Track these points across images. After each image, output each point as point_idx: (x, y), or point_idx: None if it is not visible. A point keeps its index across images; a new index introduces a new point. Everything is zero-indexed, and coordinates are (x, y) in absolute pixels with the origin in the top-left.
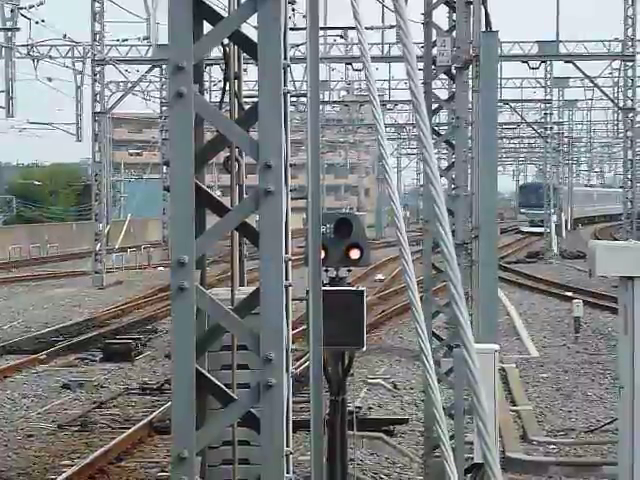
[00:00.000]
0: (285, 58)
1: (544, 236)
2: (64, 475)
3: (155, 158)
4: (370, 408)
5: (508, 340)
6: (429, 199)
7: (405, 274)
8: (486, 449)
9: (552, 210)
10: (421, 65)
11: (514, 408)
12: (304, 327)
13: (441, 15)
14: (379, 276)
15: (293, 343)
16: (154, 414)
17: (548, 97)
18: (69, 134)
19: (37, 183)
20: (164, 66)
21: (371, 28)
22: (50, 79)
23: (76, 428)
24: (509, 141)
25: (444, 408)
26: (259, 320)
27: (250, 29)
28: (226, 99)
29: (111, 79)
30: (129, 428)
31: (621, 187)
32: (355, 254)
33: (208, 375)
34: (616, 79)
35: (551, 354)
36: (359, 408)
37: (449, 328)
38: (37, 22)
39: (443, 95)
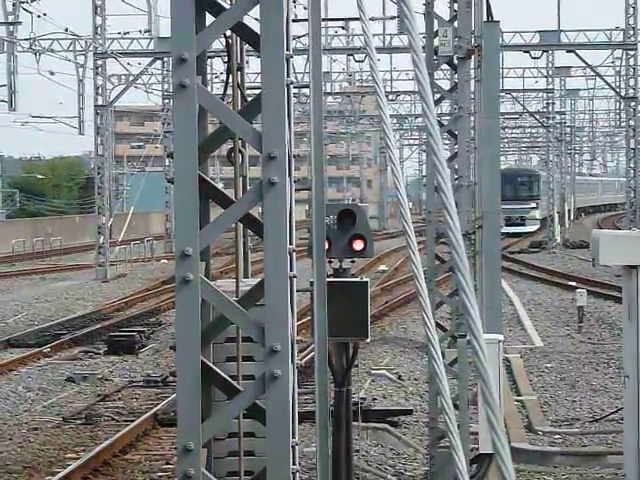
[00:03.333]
0: (287, 49)
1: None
2: (69, 468)
3: (157, 151)
4: (374, 399)
5: (512, 330)
6: (433, 189)
7: (412, 263)
8: (496, 439)
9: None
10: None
11: (518, 398)
12: (309, 318)
13: (442, 5)
14: (382, 267)
15: (298, 334)
16: (158, 407)
17: (550, 87)
18: (71, 127)
19: (40, 177)
20: (165, 59)
21: (373, 19)
22: (52, 73)
23: (81, 421)
24: (511, 131)
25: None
26: (264, 311)
27: (252, 21)
28: (229, 91)
29: (113, 72)
30: (133, 421)
31: (591, 175)
32: (359, 245)
33: (213, 367)
34: (618, 68)
35: (555, 344)
36: (363, 399)
37: (453, 319)
38: (39, 16)
39: (445, 85)
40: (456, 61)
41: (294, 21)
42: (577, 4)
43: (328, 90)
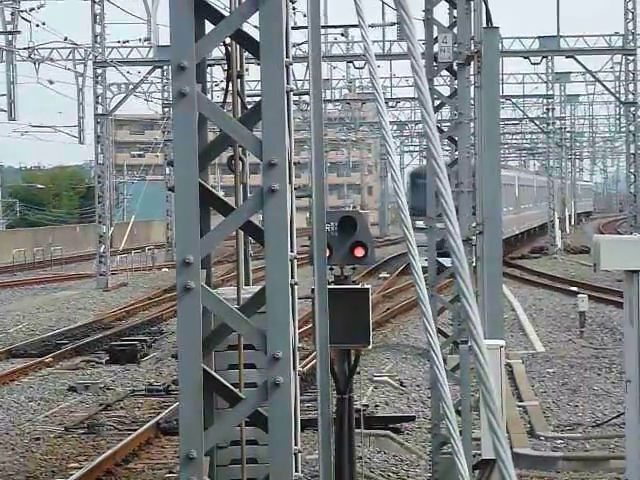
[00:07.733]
0: (287, 57)
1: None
2: (72, 478)
3: (157, 159)
4: (377, 406)
5: (513, 336)
6: (434, 195)
7: (412, 269)
8: (498, 444)
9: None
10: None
11: (520, 404)
12: (310, 326)
13: (442, 12)
14: (383, 274)
15: (299, 342)
16: (161, 415)
17: (550, 92)
18: (71, 136)
19: (40, 186)
20: (165, 67)
21: (372, 26)
22: (51, 82)
23: (83, 431)
24: (511, 137)
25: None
26: (265, 319)
27: (252, 28)
28: (229, 99)
29: (113, 81)
30: (136, 430)
31: (566, 179)
32: (360, 252)
33: (215, 375)
34: (617, 73)
35: (557, 349)
36: (366, 406)
37: (455, 324)
38: (37, 25)
39: (445, 92)
40: (456, 67)
41: (293, 28)
42: (576, 9)
43: (328, 97)
